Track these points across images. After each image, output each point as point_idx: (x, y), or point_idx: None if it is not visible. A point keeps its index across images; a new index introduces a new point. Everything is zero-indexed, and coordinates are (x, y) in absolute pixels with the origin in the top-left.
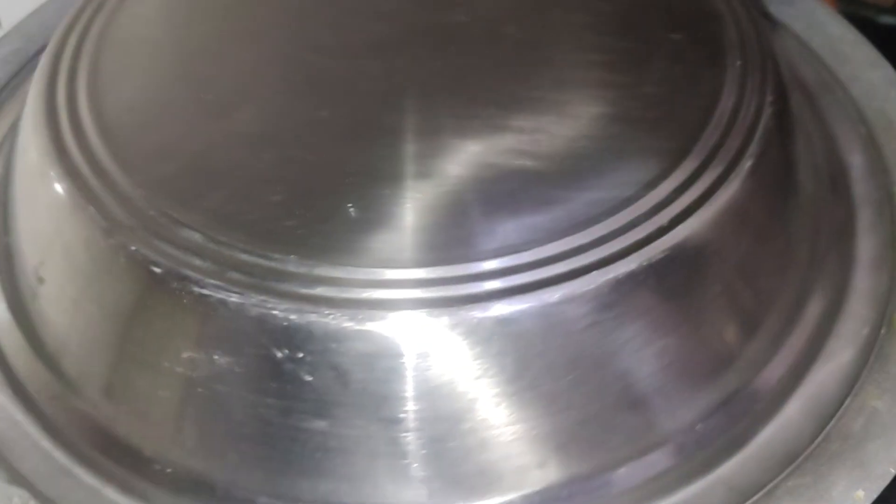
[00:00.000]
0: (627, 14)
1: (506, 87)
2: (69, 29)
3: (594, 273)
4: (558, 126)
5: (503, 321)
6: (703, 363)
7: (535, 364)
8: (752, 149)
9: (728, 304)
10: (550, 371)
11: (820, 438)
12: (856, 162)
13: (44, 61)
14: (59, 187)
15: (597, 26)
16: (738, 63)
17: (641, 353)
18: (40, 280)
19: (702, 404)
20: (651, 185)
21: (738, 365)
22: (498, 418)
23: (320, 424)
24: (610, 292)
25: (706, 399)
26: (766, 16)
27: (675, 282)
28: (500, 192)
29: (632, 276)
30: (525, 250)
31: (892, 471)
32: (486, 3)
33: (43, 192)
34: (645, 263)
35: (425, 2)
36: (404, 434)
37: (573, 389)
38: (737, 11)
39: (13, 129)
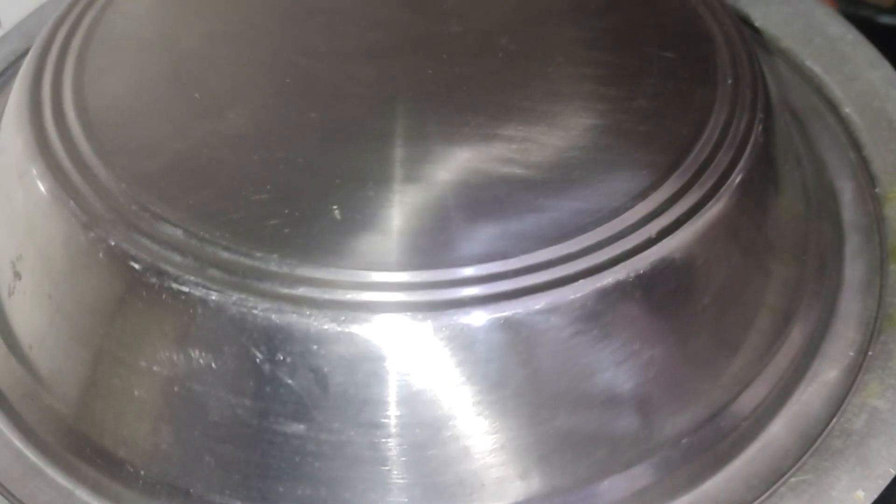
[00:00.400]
0: (621, 31)
1: (497, 97)
2: (58, 24)
3: (581, 282)
4: (548, 136)
5: (487, 327)
6: (689, 377)
7: (518, 372)
8: (743, 164)
9: (715, 318)
10: (534, 380)
11: (824, 435)
12: (846, 187)
13: (31, 56)
14: (39, 181)
15: (590, 41)
16: (730, 81)
17: (627, 365)
18: (17, 275)
19: (688, 419)
20: (640, 196)
21: (724, 381)
22: (479, 427)
23: (298, 428)
24: (596, 302)
25: (692, 414)
26: (762, 44)
27: (661, 294)
28: (487, 199)
29: (618, 287)
30: (511, 257)
31: (893, 471)
32: (480, 15)
33: (23, 186)
34: (632, 274)
35: (419, 12)
36: (384, 440)
37: (557, 399)
38: (729, 33)
39: None
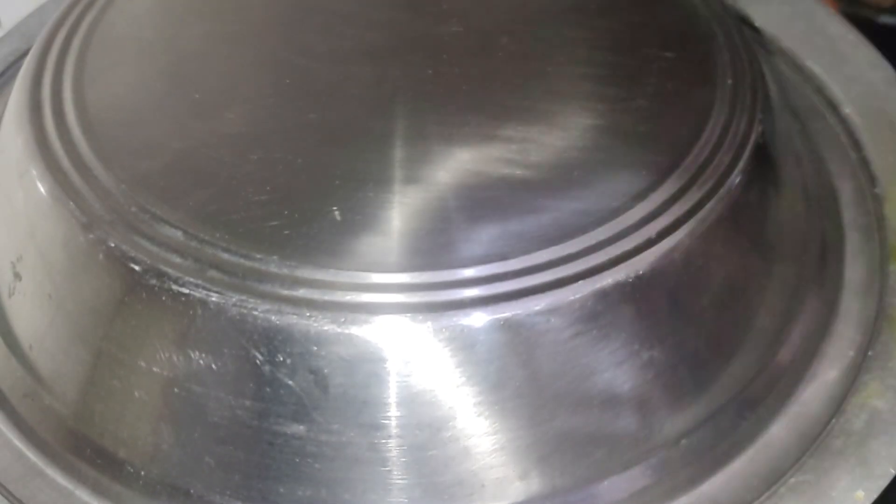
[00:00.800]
0: (622, 31)
1: (496, 97)
2: (58, 25)
3: (580, 283)
4: (548, 136)
5: (487, 329)
6: (689, 378)
7: (518, 373)
8: (743, 164)
9: (714, 318)
10: (534, 381)
11: (824, 435)
12: (846, 187)
13: (31, 56)
14: (39, 181)
15: (590, 41)
16: (729, 81)
17: (626, 366)
18: (17, 276)
19: (687, 420)
20: (640, 197)
21: (724, 381)
22: (479, 427)
23: (298, 429)
24: (596, 303)
25: (691, 414)
26: (762, 44)
27: (661, 294)
28: (487, 200)
29: (618, 288)
30: (511, 258)
31: (893, 471)
32: (480, 15)
33: (23, 186)
34: (632, 275)
35: (419, 12)
36: (384, 441)
37: (556, 400)
38: (730, 33)
39: None
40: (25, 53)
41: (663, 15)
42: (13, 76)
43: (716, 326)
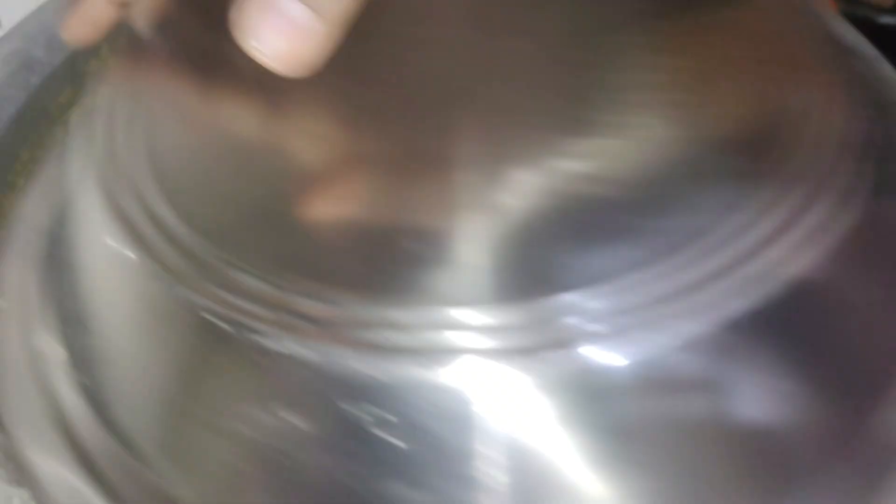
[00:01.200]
0: (696, 33)
1: (567, 111)
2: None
3: (707, 314)
4: (634, 151)
5: (594, 370)
6: (831, 427)
7: (629, 420)
8: (869, 170)
9: (859, 354)
10: (646, 430)
11: None
12: None
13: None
14: (114, 240)
15: (664, 48)
16: (831, 81)
17: (757, 411)
18: (95, 333)
19: (826, 456)
20: (762, 211)
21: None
22: (586, 483)
23: (393, 485)
24: (723, 337)
25: (831, 451)
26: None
27: (796, 321)
28: (576, 223)
29: (750, 319)
30: (616, 287)
31: None
32: (544, 28)
33: (98, 244)
34: (763, 303)
35: (480, 27)
36: (485, 493)
37: (674, 452)
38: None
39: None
40: (25, 53)
41: (743, 12)
42: (13, 75)
43: (860, 363)
